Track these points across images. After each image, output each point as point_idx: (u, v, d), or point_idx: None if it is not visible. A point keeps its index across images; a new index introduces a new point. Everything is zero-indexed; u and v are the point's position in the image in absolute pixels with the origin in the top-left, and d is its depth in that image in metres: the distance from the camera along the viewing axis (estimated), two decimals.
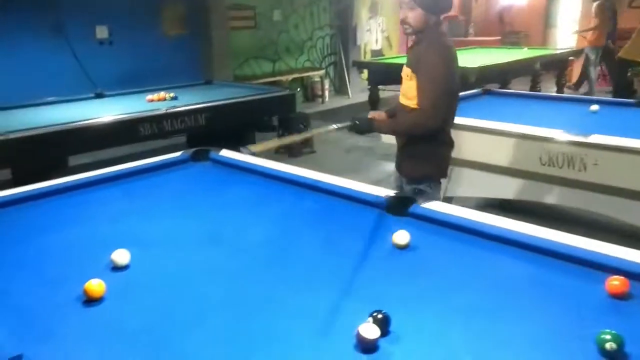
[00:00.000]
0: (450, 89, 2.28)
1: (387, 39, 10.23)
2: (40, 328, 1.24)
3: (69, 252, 1.66)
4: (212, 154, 2.59)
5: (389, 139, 3.64)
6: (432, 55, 2.21)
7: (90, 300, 1.32)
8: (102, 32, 6.20)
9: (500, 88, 5.73)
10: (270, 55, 8.16)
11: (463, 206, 1.85)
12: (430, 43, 2.24)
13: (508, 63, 6.79)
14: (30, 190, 2.10)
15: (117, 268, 1.49)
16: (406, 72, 2.34)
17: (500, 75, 6.66)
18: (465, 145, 3.29)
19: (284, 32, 8.27)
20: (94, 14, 6.07)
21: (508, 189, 3.45)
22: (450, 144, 2.45)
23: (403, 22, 2.29)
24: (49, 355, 1.13)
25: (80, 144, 3.63)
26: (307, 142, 5.68)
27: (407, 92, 2.32)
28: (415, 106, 2.26)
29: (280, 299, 1.35)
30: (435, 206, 1.82)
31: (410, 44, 2.44)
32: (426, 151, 2.39)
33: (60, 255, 1.64)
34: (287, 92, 4.98)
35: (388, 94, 7.67)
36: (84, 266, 1.52)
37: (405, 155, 2.49)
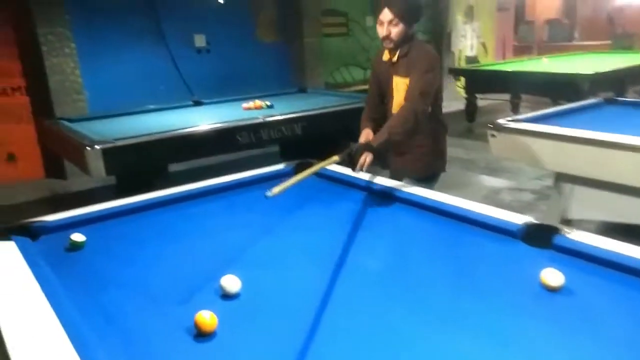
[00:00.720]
0: (436, 86, 2.39)
1: (483, 45, 9.73)
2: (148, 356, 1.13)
3: (176, 270, 1.57)
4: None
5: (500, 152, 3.35)
6: (424, 59, 2.34)
7: (202, 334, 1.20)
8: (200, 40, 6.35)
9: (617, 97, 5.17)
10: (362, 63, 7.99)
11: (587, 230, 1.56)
12: (419, 50, 2.39)
13: (626, 69, 6.14)
14: (134, 203, 2.06)
15: (227, 296, 1.36)
16: (403, 82, 2.41)
17: (616, 83, 6.05)
18: (593, 162, 2.91)
19: (375, 38, 8.07)
20: (192, 22, 6.23)
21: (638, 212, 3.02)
22: (446, 131, 2.63)
23: (386, 38, 2.36)
24: None
25: (181, 152, 3.65)
26: None
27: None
28: None
29: (409, 336, 1.16)
30: (584, 237, 1.53)
31: (387, 57, 2.48)
32: (434, 147, 2.57)
33: (168, 274, 1.55)
34: None
35: (484, 102, 7.25)
36: (193, 288, 1.42)
37: (417, 155, 2.56)
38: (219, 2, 5.03)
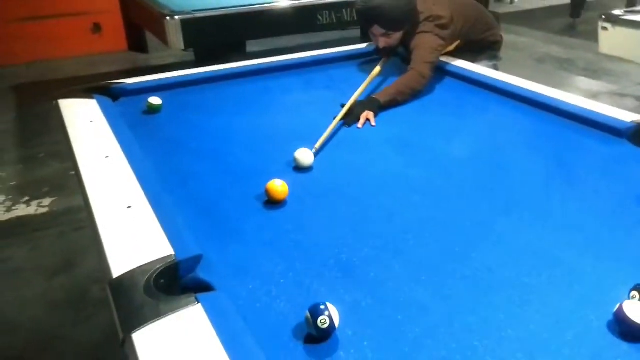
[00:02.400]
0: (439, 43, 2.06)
1: None
2: (219, 220, 1.14)
3: (250, 141, 1.55)
4: (401, 50, 2.27)
5: (610, 49, 2.98)
6: (424, 34, 2.04)
7: (272, 202, 1.17)
8: None
9: None
10: None
11: None
12: (420, 28, 2.06)
13: None
14: (212, 72, 2.02)
15: (300, 168, 1.32)
16: None
17: None
18: None
19: None
20: None
21: None
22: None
23: (385, 49, 2.09)
24: (229, 250, 1.03)
25: (259, 28, 3.54)
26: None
27: None
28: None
29: (499, 234, 1.08)
30: None
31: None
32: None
33: (241, 144, 1.53)
34: None
35: None
36: (266, 159, 1.40)
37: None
38: None
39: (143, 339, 0.76)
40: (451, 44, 2.20)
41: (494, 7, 6.77)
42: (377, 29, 2.06)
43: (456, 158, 1.44)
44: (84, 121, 1.56)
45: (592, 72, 4.61)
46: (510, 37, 5.72)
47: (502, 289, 0.91)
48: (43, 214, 2.67)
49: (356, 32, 4.68)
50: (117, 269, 0.91)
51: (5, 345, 1.88)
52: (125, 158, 1.31)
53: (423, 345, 0.80)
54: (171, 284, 0.90)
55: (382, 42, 2.07)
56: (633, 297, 0.83)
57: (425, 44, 2.02)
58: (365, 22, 2.10)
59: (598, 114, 1.53)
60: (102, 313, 1.96)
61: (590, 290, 0.89)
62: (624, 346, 0.78)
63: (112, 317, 0.84)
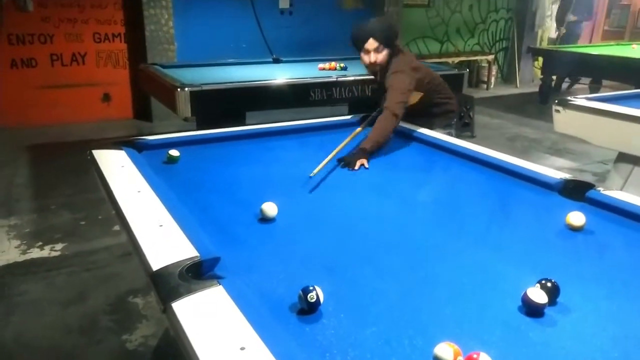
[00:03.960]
0: (411, 85, 2.52)
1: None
2: (231, 235, 1.46)
3: (252, 184, 1.89)
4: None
5: (562, 128, 3.42)
6: (396, 71, 2.52)
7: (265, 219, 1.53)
8: (284, 2, 6.62)
9: None
10: (440, 36, 8.01)
11: None
12: (395, 63, 2.57)
13: None
14: (221, 132, 2.40)
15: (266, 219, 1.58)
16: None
17: None
18: None
19: (457, 12, 8.04)
20: None
21: None
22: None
23: (373, 64, 2.58)
24: (240, 255, 1.33)
25: (258, 101, 3.97)
26: (468, 126, 5.52)
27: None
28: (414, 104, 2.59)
29: (448, 251, 1.40)
30: (614, 194, 1.70)
31: (377, 78, 2.69)
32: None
33: (245, 186, 1.87)
34: (455, 71, 4.87)
35: (565, 85, 7.09)
36: (263, 196, 1.69)
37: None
38: None
39: (179, 307, 1.06)
40: (418, 91, 2.63)
41: (468, 91, 7.41)
42: (371, 43, 2.53)
43: (420, 201, 1.79)
44: (117, 165, 1.90)
45: (556, 150, 5.10)
46: (484, 118, 6.29)
47: (445, 285, 1.23)
48: (55, 257, 2.94)
49: (343, 109, 5.17)
50: (155, 265, 1.22)
51: None
52: (153, 192, 1.64)
53: (383, 317, 1.10)
54: (197, 277, 1.20)
55: (373, 57, 2.55)
56: (535, 287, 1.15)
57: (400, 83, 2.47)
58: (362, 37, 2.55)
59: (534, 171, 1.91)
60: (111, 338, 2.20)
61: (509, 287, 1.20)
62: (527, 319, 1.09)
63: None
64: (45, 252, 2.99)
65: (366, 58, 2.60)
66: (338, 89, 4.16)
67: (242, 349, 0.93)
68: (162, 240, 1.33)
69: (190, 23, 6.00)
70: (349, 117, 2.76)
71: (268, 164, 2.13)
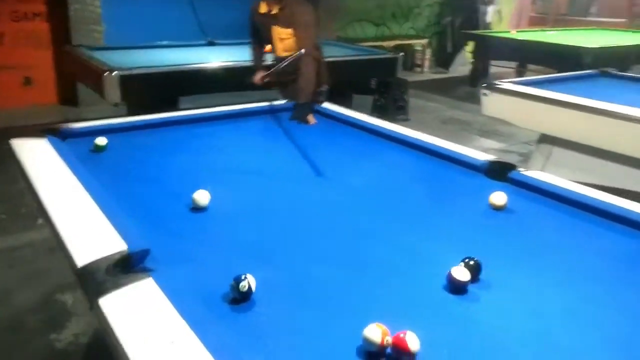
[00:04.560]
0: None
1: (499, 12, 9.72)
2: (162, 226, 1.43)
3: (183, 172, 1.85)
4: (315, 105, 2.69)
5: (489, 111, 3.57)
6: (303, 12, 2.94)
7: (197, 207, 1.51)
8: None
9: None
10: (375, 19, 8.08)
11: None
12: (298, 5, 2.92)
13: (632, 46, 6.25)
14: (150, 119, 2.32)
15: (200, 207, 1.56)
16: (285, 33, 2.99)
17: (621, 60, 6.16)
18: (573, 126, 3.14)
19: None
20: None
21: (616, 176, 3.26)
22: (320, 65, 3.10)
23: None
24: (171, 246, 1.30)
25: (192, 86, 3.88)
26: (402, 109, 5.64)
27: (290, 47, 3.02)
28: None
29: (381, 232, 1.44)
30: (534, 174, 1.80)
31: (265, 9, 2.99)
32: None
33: (176, 174, 1.83)
34: (389, 55, 4.96)
35: (494, 69, 7.38)
36: (194, 183, 1.65)
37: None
38: None
39: (107, 303, 1.03)
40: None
41: (403, 75, 7.55)
42: None
43: (354, 186, 1.81)
44: (38, 156, 1.80)
45: (484, 132, 5.33)
46: (419, 101, 6.45)
47: (377, 268, 1.26)
48: None
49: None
50: (81, 260, 1.17)
51: None
52: (78, 183, 1.57)
53: (316, 301, 1.12)
54: (127, 271, 1.17)
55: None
56: (459, 265, 1.20)
57: (311, 21, 2.90)
58: None
59: (461, 154, 1.99)
60: (39, 338, 2.11)
61: (437, 266, 1.25)
62: (452, 297, 1.15)
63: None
64: None
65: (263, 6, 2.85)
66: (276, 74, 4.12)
67: (172, 342, 0.92)
68: (88, 234, 1.28)
69: (119, 2, 5.73)
70: (284, 101, 2.75)
71: (200, 151, 2.09)
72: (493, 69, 7.57)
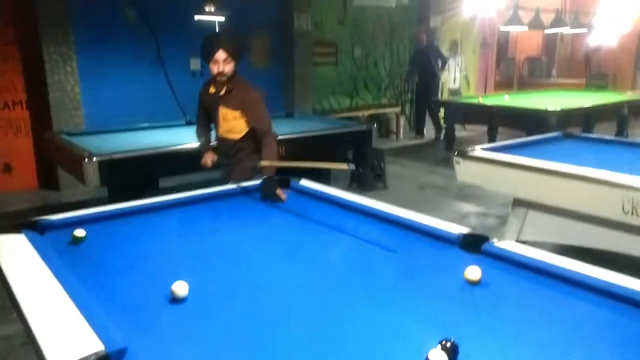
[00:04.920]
0: None
1: (466, 78, 10.21)
2: (140, 322, 1.42)
3: (164, 259, 1.86)
4: (293, 183, 2.75)
5: (463, 177, 3.68)
6: (253, 94, 3.06)
7: (176, 299, 1.51)
8: (195, 64, 6.69)
9: (582, 132, 5.57)
10: (349, 91, 8.39)
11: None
12: (247, 88, 3.05)
13: (592, 107, 6.58)
14: (127, 207, 2.33)
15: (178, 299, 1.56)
16: (232, 114, 3.06)
17: (584, 119, 6.47)
18: (543, 189, 3.25)
19: (363, 69, 8.50)
20: (189, 46, 6.56)
21: (586, 236, 3.33)
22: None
23: (221, 74, 2.94)
24: (149, 343, 1.29)
25: (171, 166, 3.94)
26: (380, 178, 5.76)
27: (235, 129, 3.10)
28: (239, 137, 3.09)
29: (356, 314, 1.45)
30: (508, 245, 1.84)
31: (213, 90, 3.10)
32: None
33: (153, 263, 1.84)
34: (364, 127, 5.12)
35: (463, 133, 7.63)
36: (173, 272, 1.67)
37: (247, 167, 3.05)
38: (217, 29, 5.38)
39: None
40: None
41: (379, 142, 7.76)
42: (221, 54, 2.88)
43: (328, 263, 1.84)
44: (13, 252, 1.80)
45: (463, 196, 5.44)
46: (395, 168, 6.60)
47: (354, 347, 1.27)
48: None
49: None
50: None
51: None
52: (54, 279, 1.56)
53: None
54: None
55: (222, 67, 2.89)
56: (436, 348, 1.21)
57: (263, 105, 3.04)
58: (212, 48, 2.88)
59: (435, 227, 2.03)
60: None
61: (414, 346, 1.26)
62: None
63: None
64: None
65: (215, 68, 2.92)
66: None
67: None
68: (63, 333, 1.27)
69: (98, 88, 5.88)
70: (259, 180, 2.80)
71: (178, 236, 2.11)
72: (466, 132, 7.85)
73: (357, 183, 5.71)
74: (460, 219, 4.74)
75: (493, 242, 1.87)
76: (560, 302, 1.53)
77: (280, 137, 4.35)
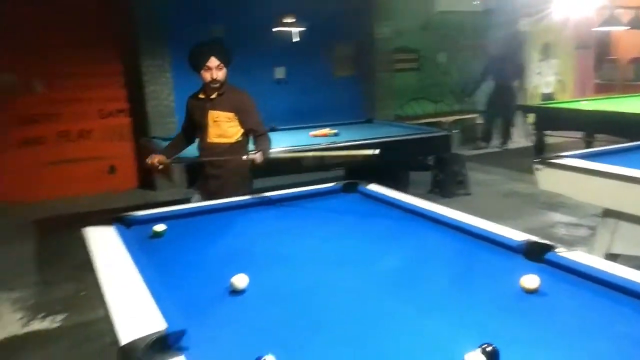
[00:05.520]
0: None
1: (561, 82, 9.67)
2: (201, 308, 1.55)
3: (229, 256, 1.99)
4: (361, 187, 2.80)
5: (545, 185, 3.52)
6: (246, 97, 3.22)
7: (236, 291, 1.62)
8: (280, 72, 6.97)
9: None
10: (433, 97, 8.28)
11: (626, 264, 1.75)
12: (237, 91, 3.19)
13: None
14: (203, 206, 2.55)
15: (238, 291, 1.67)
16: (225, 116, 3.14)
17: None
18: (634, 199, 3.02)
19: (447, 74, 8.35)
20: (274, 56, 6.85)
21: None
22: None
23: (215, 80, 3.07)
24: (206, 327, 1.42)
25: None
26: (462, 184, 5.63)
27: (227, 132, 3.17)
28: (231, 141, 3.19)
29: (403, 318, 1.47)
30: (573, 255, 1.77)
31: (204, 95, 3.21)
32: (245, 174, 3.29)
33: (222, 258, 1.97)
34: (443, 132, 5.05)
35: (555, 139, 7.24)
36: (239, 270, 1.79)
37: (234, 179, 3.23)
38: (297, 39, 5.58)
39: None
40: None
41: (463, 149, 7.54)
42: (214, 61, 3.01)
43: (382, 269, 1.85)
44: (103, 242, 2.02)
45: (550, 205, 5.17)
46: (480, 175, 6.41)
47: (396, 351, 1.30)
48: (55, 328, 3.02)
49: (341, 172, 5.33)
50: (124, 338, 1.31)
51: None
52: (134, 267, 1.74)
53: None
54: (164, 349, 1.28)
55: (215, 74, 3.02)
56: (475, 351, 1.21)
57: (254, 108, 3.20)
58: (205, 55, 3.00)
59: (498, 234, 1.99)
60: None
61: (456, 352, 1.27)
62: None
63: None
64: (46, 324, 3.07)
65: (208, 75, 3.04)
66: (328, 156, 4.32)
67: None
68: (133, 312, 1.43)
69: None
70: (331, 184, 2.88)
71: (246, 236, 2.23)
72: (559, 139, 7.43)
73: (439, 188, 5.63)
74: (546, 228, 4.52)
75: (558, 252, 1.80)
76: (622, 316, 1.45)
77: (356, 143, 4.45)
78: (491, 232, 2.03)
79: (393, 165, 4.81)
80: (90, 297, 3.36)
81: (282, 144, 4.44)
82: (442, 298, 1.61)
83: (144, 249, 2.01)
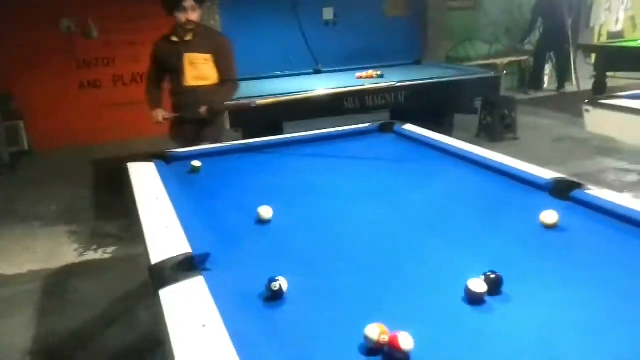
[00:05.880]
0: None
1: (632, 18, 8.94)
2: (227, 235, 1.67)
3: (259, 190, 2.08)
4: (397, 127, 2.80)
5: (593, 128, 3.38)
6: (227, 41, 3.27)
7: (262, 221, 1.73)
8: (328, 13, 6.84)
9: None
10: (488, 37, 7.91)
11: None
12: (213, 31, 3.37)
13: None
14: (237, 145, 2.65)
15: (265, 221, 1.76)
16: (202, 58, 3.12)
17: None
18: None
19: (506, 12, 7.91)
20: None
21: None
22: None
23: (190, 22, 3.03)
24: (230, 252, 1.53)
25: (295, 113, 4.18)
26: (510, 128, 5.47)
27: (205, 74, 3.16)
28: (209, 83, 3.19)
29: (422, 249, 1.53)
30: (599, 193, 1.73)
31: (177, 38, 3.14)
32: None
33: (253, 192, 2.06)
34: (490, 74, 4.87)
35: (617, 82, 6.81)
36: (267, 201, 1.87)
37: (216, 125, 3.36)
38: None
39: (164, 293, 1.26)
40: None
41: (518, 93, 7.23)
42: (189, 2, 2.98)
43: (410, 204, 1.90)
44: (143, 176, 2.16)
45: (603, 150, 4.95)
46: (531, 119, 6.19)
47: (408, 278, 1.36)
48: (107, 259, 3.29)
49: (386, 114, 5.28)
50: (154, 259, 1.43)
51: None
52: (168, 199, 1.87)
53: (340, 304, 1.26)
54: (189, 270, 1.40)
55: (190, 15, 3.00)
56: (479, 278, 1.25)
57: (232, 53, 3.20)
58: None
59: (526, 172, 1.97)
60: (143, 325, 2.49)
61: (465, 279, 1.31)
62: (467, 307, 1.21)
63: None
64: (99, 255, 3.35)
65: (183, 16, 3.00)
66: (371, 97, 4.30)
67: (204, 326, 1.11)
68: (165, 239, 1.55)
69: (238, 39, 6.30)
70: (367, 125, 2.90)
71: (278, 173, 2.32)
72: (621, 82, 6.98)
73: (486, 132, 5.50)
74: (595, 174, 4.36)
75: (586, 190, 1.77)
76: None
77: (400, 84, 4.38)
78: (520, 170, 2.02)
79: (437, 107, 4.71)
80: (139, 232, 3.62)
81: (325, 85, 4.44)
82: (466, 231, 1.64)
83: (181, 183, 2.13)
